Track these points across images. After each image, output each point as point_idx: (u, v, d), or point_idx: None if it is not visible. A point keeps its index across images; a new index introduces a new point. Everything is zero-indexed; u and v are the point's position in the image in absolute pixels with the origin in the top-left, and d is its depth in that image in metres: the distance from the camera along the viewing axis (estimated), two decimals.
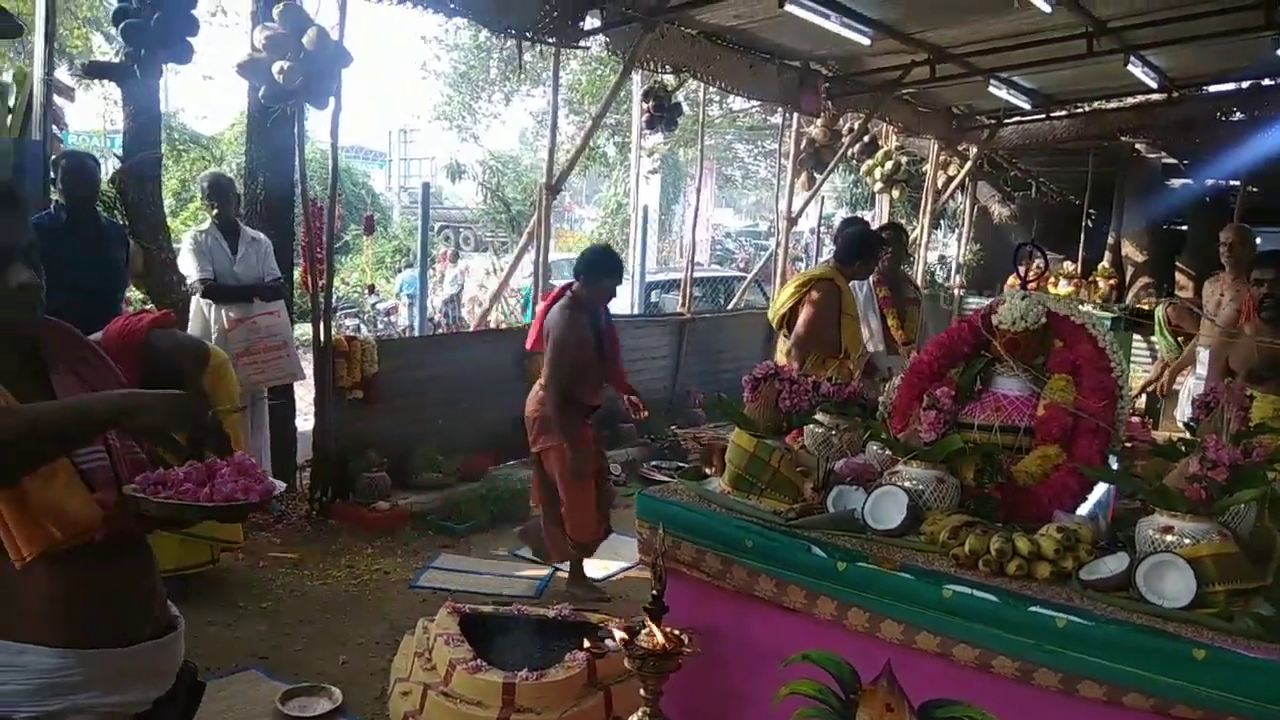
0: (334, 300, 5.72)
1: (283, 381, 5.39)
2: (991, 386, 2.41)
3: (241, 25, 9.69)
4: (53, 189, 4.95)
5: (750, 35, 7.02)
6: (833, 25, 6.26)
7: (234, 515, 1.49)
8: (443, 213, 20.82)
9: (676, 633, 2.08)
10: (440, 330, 11.20)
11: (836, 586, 2.00)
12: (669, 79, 7.14)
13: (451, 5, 5.30)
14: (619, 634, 2.10)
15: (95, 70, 5.86)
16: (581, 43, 6.21)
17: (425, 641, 3.48)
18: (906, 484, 2.09)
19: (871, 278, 5.32)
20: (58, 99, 6.05)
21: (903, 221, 9.81)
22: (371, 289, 9.00)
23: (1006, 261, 4.19)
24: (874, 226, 5.91)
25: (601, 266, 4.39)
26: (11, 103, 6.66)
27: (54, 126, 6.09)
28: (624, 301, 11.30)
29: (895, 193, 10.11)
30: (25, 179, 6.01)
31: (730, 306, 10.67)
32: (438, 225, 19.00)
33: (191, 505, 1.42)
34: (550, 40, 5.93)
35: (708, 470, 2.51)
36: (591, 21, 6.06)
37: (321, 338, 5.38)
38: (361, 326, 11.25)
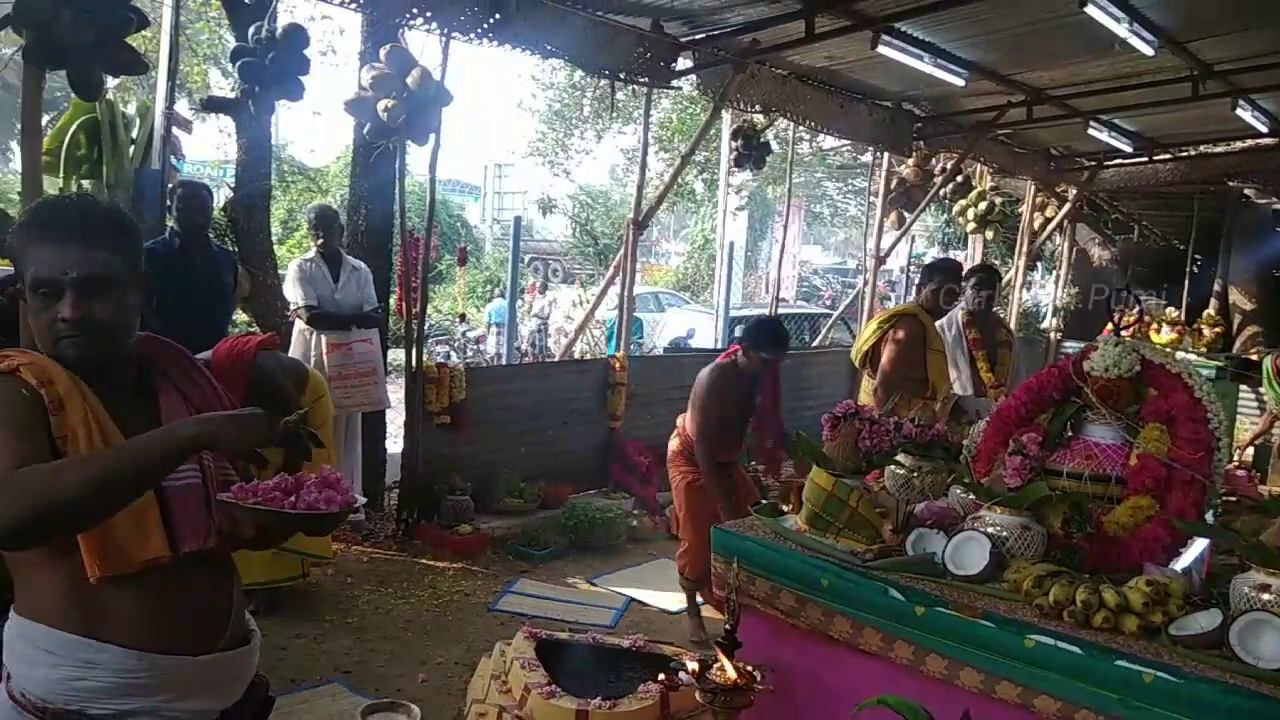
0: (426, 328, 5.90)
1: (368, 409, 5.54)
2: (1082, 434, 2.37)
3: (349, 65, 10.13)
4: (169, 216, 5.25)
5: (841, 75, 7.03)
6: (926, 66, 6.23)
7: (316, 525, 1.53)
8: (533, 245, 21.29)
9: (749, 669, 2.08)
10: (527, 359, 11.40)
11: (915, 631, 1.98)
12: (758, 118, 7.20)
13: (549, 47, 5.46)
14: (691, 667, 2.11)
15: (212, 105, 6.22)
16: (673, 83, 6.30)
17: (502, 665, 3.54)
18: (990, 530, 2.06)
19: (961, 319, 5.24)
20: (176, 131, 6.45)
21: (996, 263, 9.62)
22: (463, 317, 9.23)
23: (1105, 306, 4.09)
24: (966, 268, 5.83)
25: (767, 340, 4.37)
26: (134, 134, 7.14)
27: (172, 157, 6.49)
28: (707, 336, 11.36)
29: (989, 233, 9.92)
30: (144, 207, 6.42)
31: (815, 344, 10.60)
32: (527, 257, 19.40)
33: (275, 512, 1.47)
34: (642, 80, 6.05)
35: (785, 507, 2.51)
36: (683, 62, 6.17)
37: (413, 363, 5.56)
38: (452, 354, 11.53)
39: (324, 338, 5.15)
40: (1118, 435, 2.30)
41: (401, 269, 5.69)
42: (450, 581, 5.09)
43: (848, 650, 2.11)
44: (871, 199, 9.06)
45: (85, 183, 6.80)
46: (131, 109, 6.86)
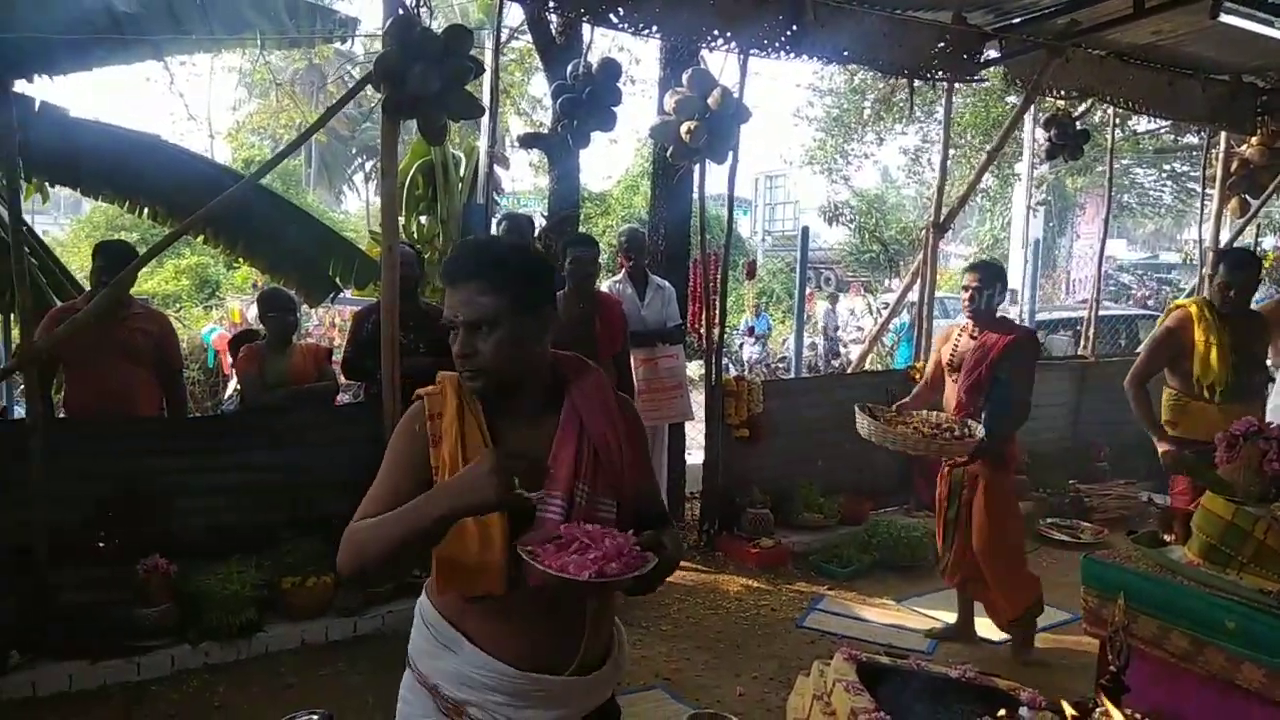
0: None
1: (675, 420, 5.73)
2: None
3: (646, 94, 10.55)
4: None
5: (1169, 51, 6.31)
6: (1276, 32, 5.45)
7: (598, 591, 1.53)
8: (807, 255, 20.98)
9: (1139, 716, 1.88)
10: (812, 371, 11.28)
11: None
12: (1072, 105, 6.63)
13: (845, 53, 5.37)
14: (1070, 711, 1.94)
15: (528, 141, 6.73)
16: (977, 75, 5.96)
17: (823, 685, 3.47)
18: None
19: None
20: (497, 168, 7.04)
21: None
22: (751, 331, 9.30)
23: None
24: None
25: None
26: (461, 173, 7.91)
27: (493, 192, 7.09)
28: None
29: None
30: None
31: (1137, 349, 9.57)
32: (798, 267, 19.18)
33: (562, 577, 1.45)
34: (943, 75, 5.78)
35: (1166, 537, 2.25)
36: (989, 53, 5.82)
37: (713, 377, 5.66)
38: (730, 365, 11.66)
39: (633, 353, 5.38)
40: None
41: (699, 285, 5.82)
42: (754, 595, 5.11)
43: (1260, 703, 1.84)
44: (1207, 185, 8.03)
45: (423, 219, 7.65)
46: (460, 151, 7.63)
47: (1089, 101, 6.89)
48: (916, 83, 5.81)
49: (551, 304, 1.69)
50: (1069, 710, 1.92)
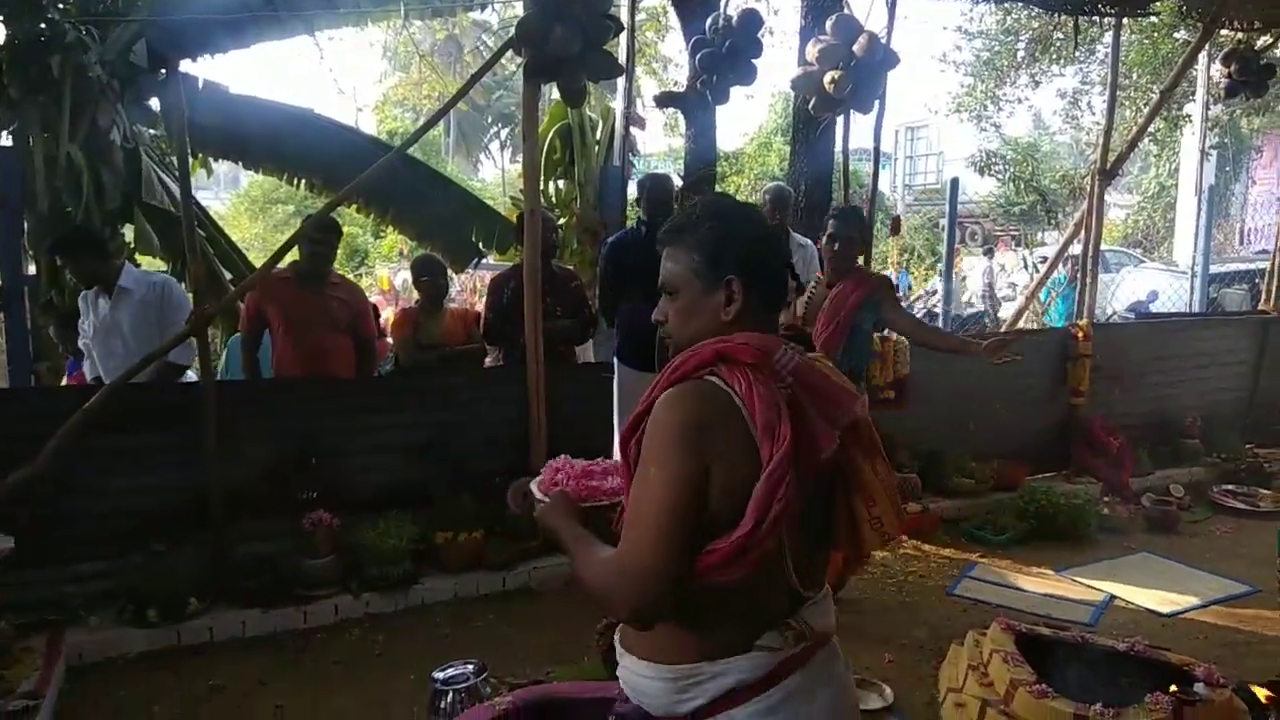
0: None
1: None
2: None
3: (787, 44, 10.28)
4: (634, 208, 5.70)
5: None
6: None
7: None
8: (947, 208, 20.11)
9: None
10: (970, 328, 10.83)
11: None
12: (1258, 38, 6.02)
13: None
14: (1263, 694, 1.77)
15: (665, 100, 6.65)
16: (1150, 8, 5.49)
17: (979, 655, 3.35)
18: None
19: None
20: (633, 129, 7.01)
21: None
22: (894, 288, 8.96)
23: None
24: None
25: None
26: (598, 136, 7.92)
27: (629, 154, 7.06)
28: (1180, 298, 9.88)
29: None
30: (609, 200, 7.07)
31: None
32: (942, 222, 18.42)
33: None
34: (1111, 10, 5.35)
35: None
36: None
37: None
38: None
39: None
40: None
41: None
42: (902, 561, 4.97)
43: None
44: None
45: (560, 183, 7.73)
46: (596, 114, 7.64)
47: (1273, 32, 6.23)
48: (1080, 19, 5.39)
49: (740, 276, 1.51)
50: (1261, 692, 1.76)
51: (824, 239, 4.15)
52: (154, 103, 5.87)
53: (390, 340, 5.34)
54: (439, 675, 2.90)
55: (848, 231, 4.08)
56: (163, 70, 5.05)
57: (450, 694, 2.86)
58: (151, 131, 6.57)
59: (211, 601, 3.99)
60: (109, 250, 4.40)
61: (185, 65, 5.68)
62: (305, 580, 4.13)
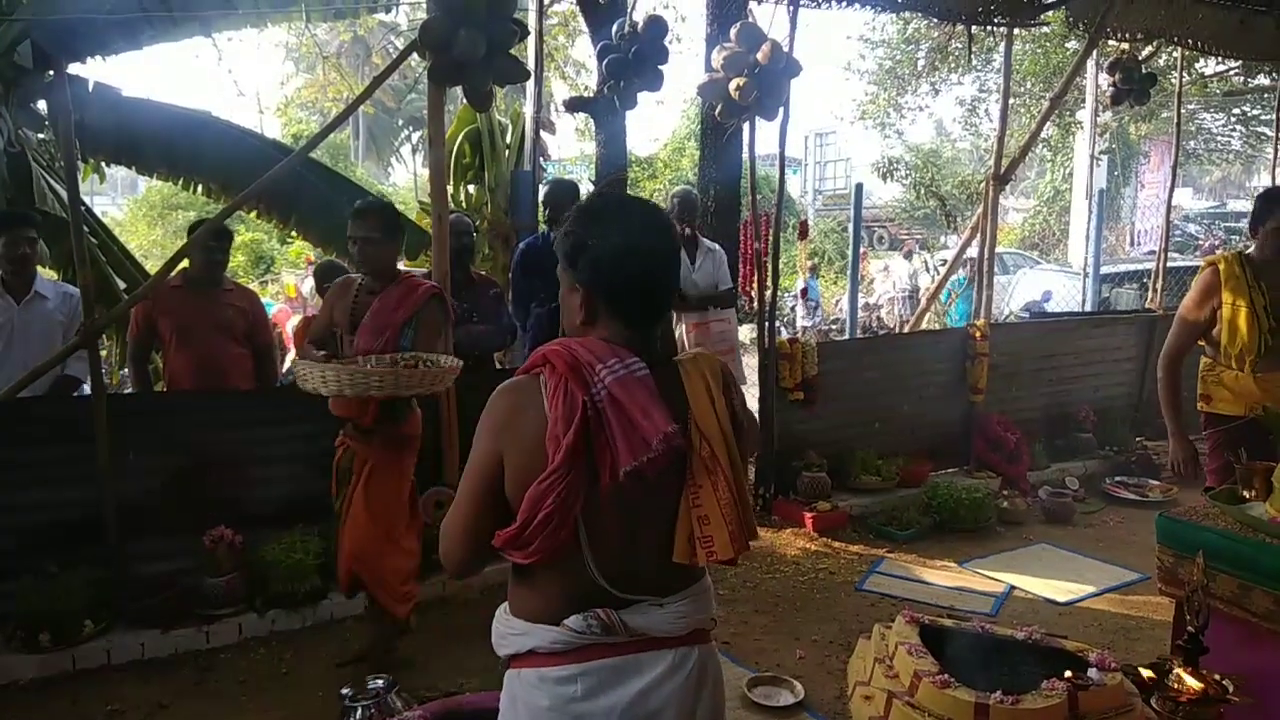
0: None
1: None
2: None
3: (694, 50, 10.39)
4: (541, 213, 5.67)
5: None
6: None
7: None
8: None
9: (1219, 679, 1.80)
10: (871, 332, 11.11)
11: None
12: (1141, 48, 6.35)
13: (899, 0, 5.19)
14: (1146, 673, 1.87)
15: (574, 105, 6.64)
16: (1039, 19, 5.73)
17: (884, 648, 3.43)
18: None
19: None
20: (543, 133, 6.99)
21: None
22: (804, 293, 9.17)
23: None
24: None
25: None
26: (508, 140, 7.88)
27: (540, 158, 7.04)
28: (1073, 298, 10.32)
29: None
30: (519, 205, 7.02)
31: None
32: (849, 225, 18.90)
33: None
34: (1002, 20, 5.56)
35: (1246, 494, 2.15)
36: None
37: (766, 340, 5.58)
38: (782, 328, 11.54)
39: (685, 318, 5.32)
40: None
41: (751, 247, 5.73)
42: (812, 558, 5.06)
43: None
44: (1267, 129, 7.67)
45: (471, 188, 7.66)
46: (506, 118, 7.60)
47: (1155, 43, 6.59)
48: (974, 29, 5.60)
49: (585, 286, 1.54)
50: (1145, 673, 1.86)
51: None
52: (41, 105, 5.62)
53: (293, 349, 5.21)
54: (347, 691, 2.85)
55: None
56: (49, 72, 4.83)
57: (359, 710, 2.81)
58: (39, 136, 6.28)
59: (108, 623, 3.82)
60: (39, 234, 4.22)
61: (75, 67, 5.45)
62: (207, 599, 3.99)
